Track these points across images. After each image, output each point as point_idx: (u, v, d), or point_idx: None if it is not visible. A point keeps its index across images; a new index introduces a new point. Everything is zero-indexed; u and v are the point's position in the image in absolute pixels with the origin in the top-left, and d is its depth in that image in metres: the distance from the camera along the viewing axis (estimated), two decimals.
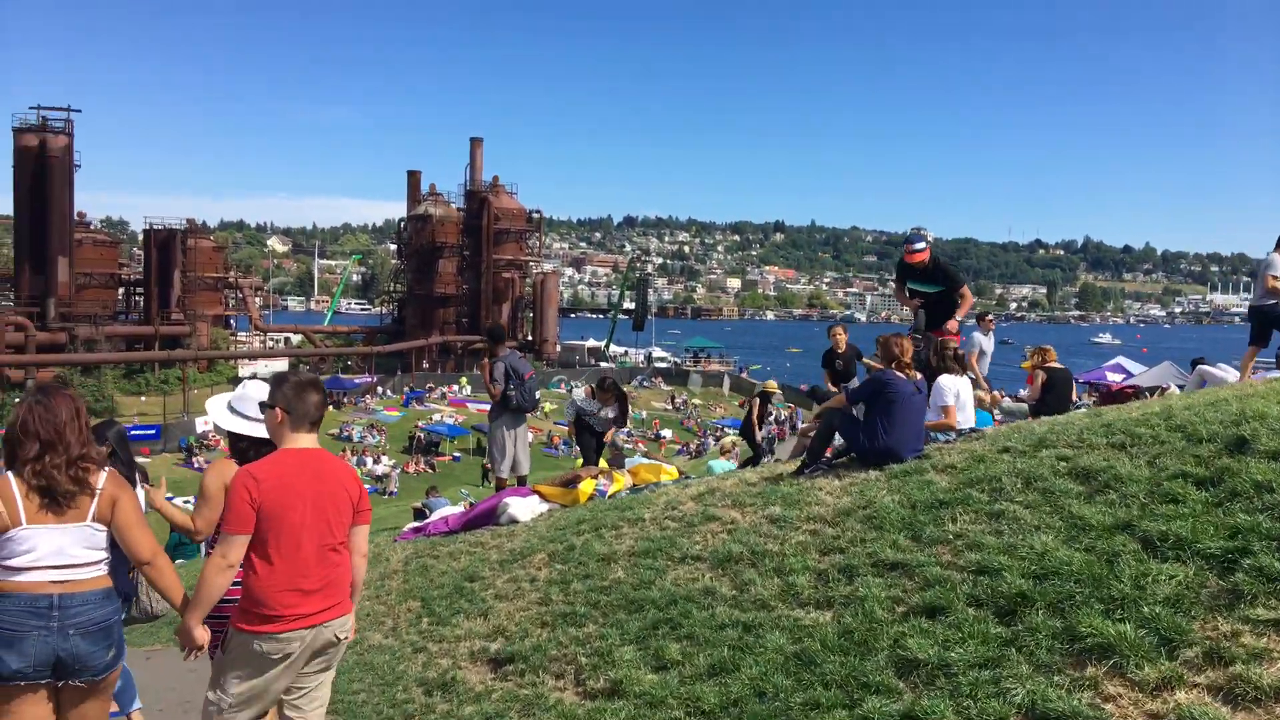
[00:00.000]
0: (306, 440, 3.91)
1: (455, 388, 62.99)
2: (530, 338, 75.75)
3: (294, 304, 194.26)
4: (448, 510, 10.71)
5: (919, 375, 6.60)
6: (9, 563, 3.55)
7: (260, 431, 4.38)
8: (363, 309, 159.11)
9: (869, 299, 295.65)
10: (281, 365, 66.25)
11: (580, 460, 10.58)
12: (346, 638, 4.01)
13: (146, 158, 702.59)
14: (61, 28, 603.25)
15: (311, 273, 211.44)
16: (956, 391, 7.80)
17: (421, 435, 49.07)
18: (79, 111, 61.18)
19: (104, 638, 3.69)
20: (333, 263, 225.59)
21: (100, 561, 3.71)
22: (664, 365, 77.70)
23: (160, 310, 67.50)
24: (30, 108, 61.09)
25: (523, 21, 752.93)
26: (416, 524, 9.84)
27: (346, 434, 49.14)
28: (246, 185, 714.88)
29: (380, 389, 61.89)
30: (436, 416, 53.95)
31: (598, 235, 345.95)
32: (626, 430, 10.93)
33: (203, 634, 3.78)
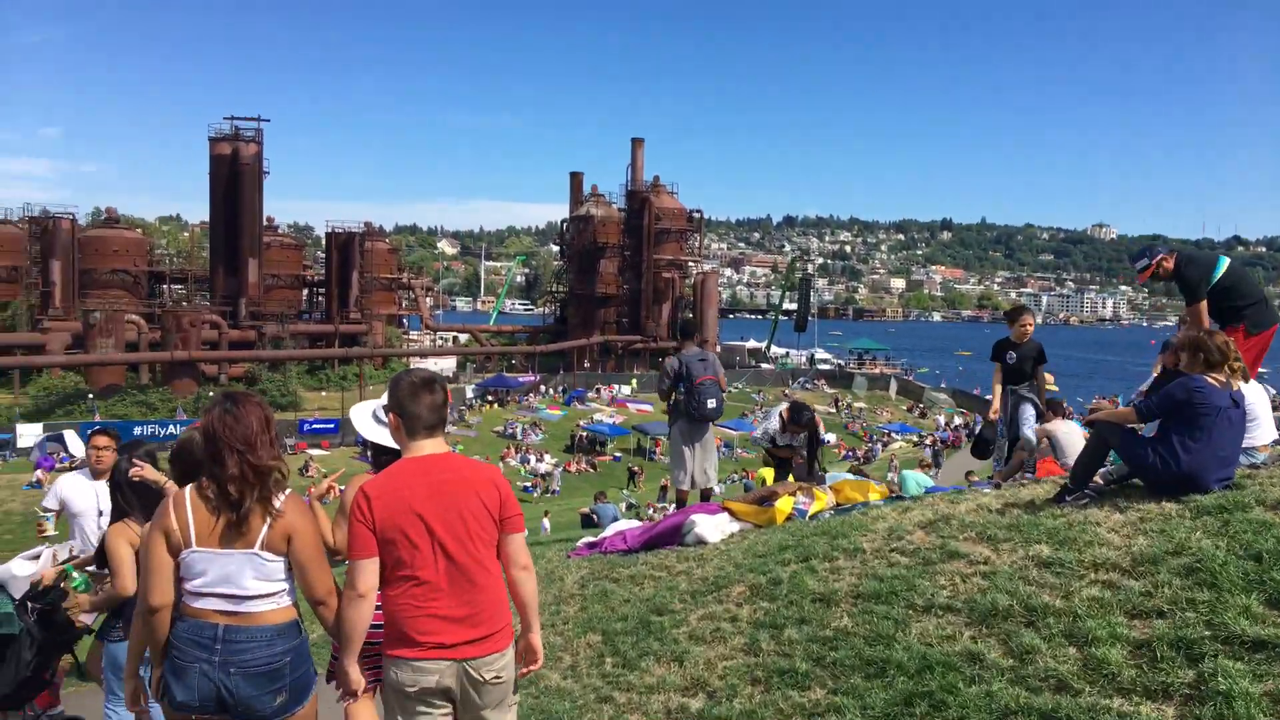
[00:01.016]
0: (429, 446, 3.49)
1: (616, 388, 63.04)
2: None
3: (461, 304, 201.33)
4: (621, 524, 9.82)
5: (1239, 384, 5.13)
6: (185, 585, 3.32)
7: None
8: (526, 309, 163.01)
9: (1045, 299, 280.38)
10: (450, 362, 68.16)
11: (770, 471, 9.46)
12: (498, 679, 3.34)
13: (330, 165, 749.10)
14: (253, 41, 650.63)
15: (478, 274, 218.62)
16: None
17: (583, 434, 49.17)
18: (268, 121, 64.54)
19: (269, 681, 3.30)
20: (498, 264, 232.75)
21: (277, 594, 3.36)
22: (827, 367, 75.33)
23: (340, 309, 70.64)
24: (224, 118, 65.09)
25: (683, 24, 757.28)
26: (591, 539, 8.99)
27: (510, 431, 49.91)
28: (419, 191, 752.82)
29: (543, 388, 62.62)
30: (598, 416, 53.98)
31: (756, 235, 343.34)
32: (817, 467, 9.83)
33: (358, 678, 3.44)
